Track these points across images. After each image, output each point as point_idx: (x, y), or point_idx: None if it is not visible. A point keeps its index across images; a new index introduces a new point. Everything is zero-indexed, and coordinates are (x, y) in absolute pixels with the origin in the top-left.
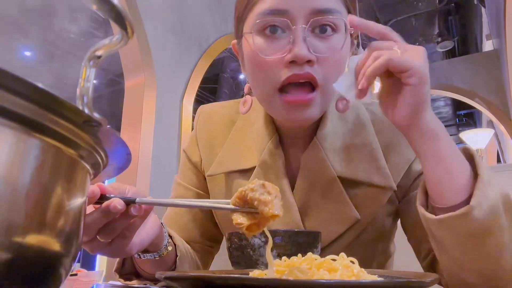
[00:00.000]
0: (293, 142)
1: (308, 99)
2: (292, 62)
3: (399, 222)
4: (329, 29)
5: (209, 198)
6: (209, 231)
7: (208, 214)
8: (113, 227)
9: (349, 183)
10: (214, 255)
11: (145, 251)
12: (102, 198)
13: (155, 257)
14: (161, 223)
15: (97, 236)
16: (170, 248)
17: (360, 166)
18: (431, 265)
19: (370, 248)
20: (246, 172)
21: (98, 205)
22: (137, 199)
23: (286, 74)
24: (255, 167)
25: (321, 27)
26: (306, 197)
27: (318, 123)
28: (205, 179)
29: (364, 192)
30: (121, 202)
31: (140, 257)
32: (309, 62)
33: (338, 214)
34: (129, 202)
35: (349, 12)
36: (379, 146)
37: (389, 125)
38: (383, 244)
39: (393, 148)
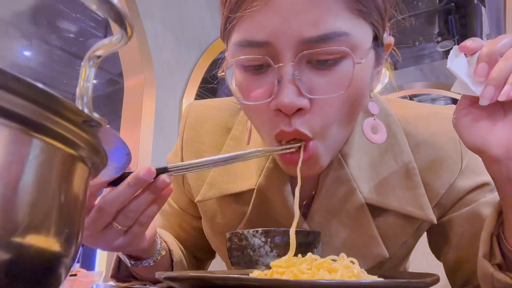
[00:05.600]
0: None
1: (304, 160)
2: (279, 110)
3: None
4: (329, 61)
5: (198, 219)
6: (199, 244)
7: (197, 230)
8: (135, 205)
9: (377, 210)
10: (209, 263)
11: (139, 258)
12: (115, 182)
13: (149, 263)
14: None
15: (113, 223)
16: (163, 252)
17: (393, 192)
18: None
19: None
20: (243, 195)
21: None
22: (169, 166)
23: (275, 129)
24: (253, 189)
25: (317, 60)
26: (324, 225)
27: None
28: (191, 200)
29: (394, 221)
30: (153, 168)
31: (135, 265)
32: (300, 110)
33: (363, 250)
34: (159, 172)
35: (374, 25)
36: (416, 166)
37: (428, 138)
38: (403, 263)
39: (432, 169)
